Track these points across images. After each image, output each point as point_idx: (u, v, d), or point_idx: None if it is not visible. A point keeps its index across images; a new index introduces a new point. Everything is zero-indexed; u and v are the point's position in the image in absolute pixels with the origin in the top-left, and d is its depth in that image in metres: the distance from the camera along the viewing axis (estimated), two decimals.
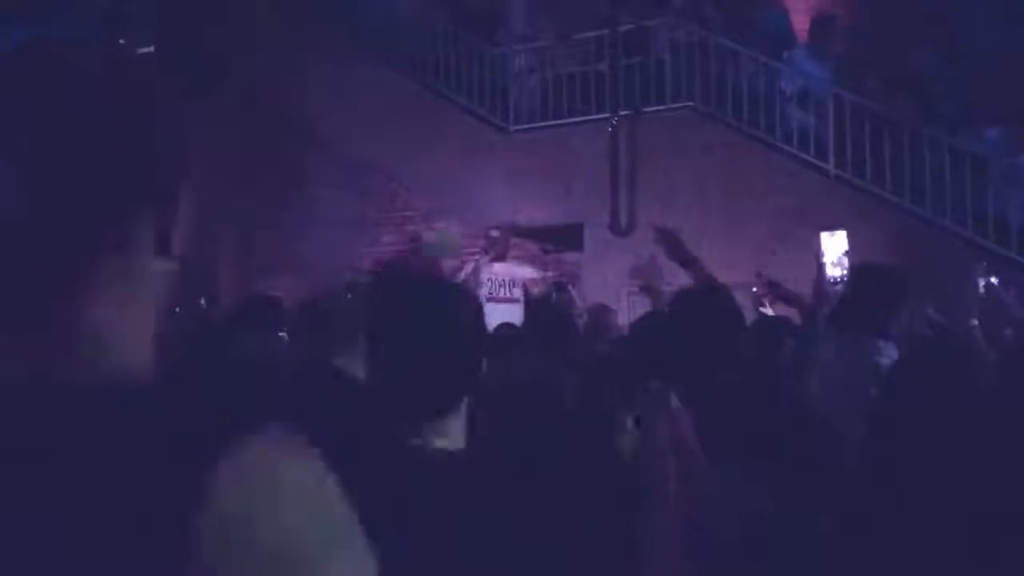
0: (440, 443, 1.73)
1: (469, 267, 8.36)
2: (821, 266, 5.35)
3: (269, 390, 2.15)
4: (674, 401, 2.29)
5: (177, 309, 5.28)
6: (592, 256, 9.65)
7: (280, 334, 3.96)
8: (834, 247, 5.50)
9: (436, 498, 1.63)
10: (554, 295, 7.76)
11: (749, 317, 3.99)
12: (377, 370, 1.79)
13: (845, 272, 5.24)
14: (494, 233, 8.67)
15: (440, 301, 1.84)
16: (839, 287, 4.86)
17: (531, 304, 7.76)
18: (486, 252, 8.51)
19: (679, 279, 4.09)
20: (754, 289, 5.47)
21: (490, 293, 8.17)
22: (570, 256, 10.16)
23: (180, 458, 0.93)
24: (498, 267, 8.50)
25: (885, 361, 3.58)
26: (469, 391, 1.80)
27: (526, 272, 8.68)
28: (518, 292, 8.41)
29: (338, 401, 1.94)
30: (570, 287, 8.07)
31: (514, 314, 7.46)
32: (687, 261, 3.97)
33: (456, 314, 1.83)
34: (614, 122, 9.61)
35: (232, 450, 0.94)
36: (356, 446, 1.55)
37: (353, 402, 1.94)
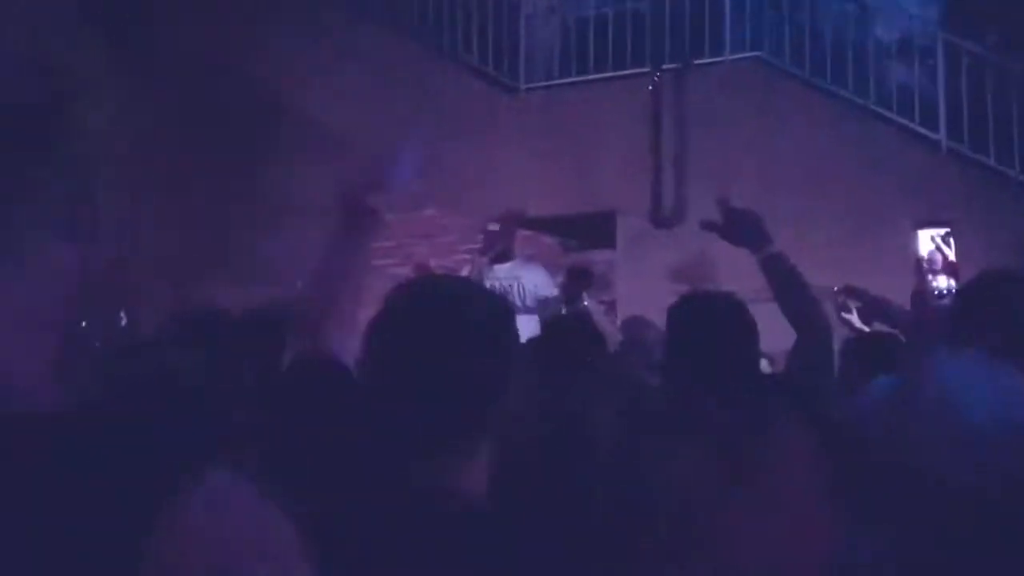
0: (452, 486, 1.79)
1: (465, 271, 8.45)
2: (927, 265, 5.28)
3: (206, 425, 2.27)
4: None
5: (84, 323, 5.34)
6: (627, 254, 9.63)
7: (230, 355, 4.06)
8: (943, 241, 5.44)
9: (446, 557, 1.70)
10: (578, 305, 7.78)
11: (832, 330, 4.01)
12: (373, 395, 1.86)
13: (955, 274, 5.18)
14: (493, 227, 8.67)
15: (453, 304, 1.92)
16: (948, 293, 4.88)
17: (548, 318, 7.61)
18: (484, 252, 8.54)
19: (741, 282, 4.07)
20: (835, 289, 5.57)
21: None
22: (598, 255, 10.08)
23: (87, 512, 0.96)
24: (501, 270, 8.59)
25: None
26: (491, 422, 1.88)
27: (538, 277, 8.68)
28: (531, 301, 8.49)
29: (322, 435, 2.06)
30: (594, 299, 8.17)
31: (525, 330, 7.34)
32: (771, 259, 3.76)
33: (475, 322, 1.91)
34: (656, 78, 9.53)
35: (158, 504, 0.96)
36: (344, 491, 1.65)
37: (340, 436, 2.05)
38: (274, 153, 10.46)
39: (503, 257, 8.70)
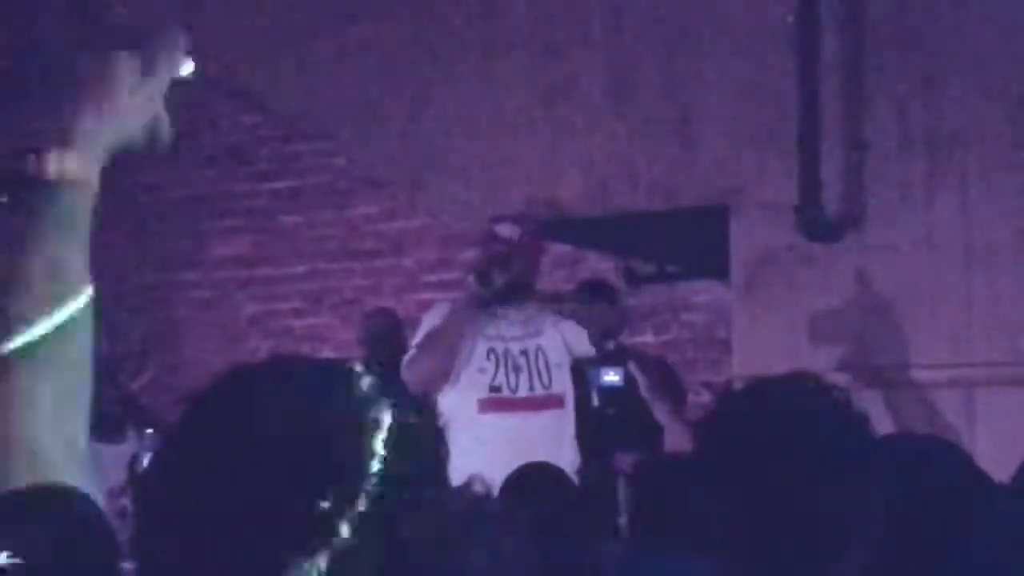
0: None
1: (430, 318, 6.49)
2: None
3: None
4: None
5: None
6: (753, 287, 7.47)
7: None
8: None
9: None
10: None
11: None
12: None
13: None
14: (503, 231, 6.42)
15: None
16: None
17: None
18: (480, 277, 6.31)
19: None
20: None
21: (488, 390, 6.39)
22: (700, 288, 8.26)
23: None
24: (508, 321, 6.48)
25: None
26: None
27: (572, 341, 6.55)
28: (559, 383, 6.36)
29: None
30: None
31: (545, 441, 6.01)
32: None
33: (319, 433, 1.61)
34: None
35: None
36: None
37: None
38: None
39: (514, 293, 6.39)
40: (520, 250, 6.38)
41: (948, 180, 7.21)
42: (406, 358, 6.34)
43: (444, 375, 6.24)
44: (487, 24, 8.40)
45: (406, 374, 6.25)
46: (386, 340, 8.46)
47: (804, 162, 7.26)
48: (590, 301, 7.61)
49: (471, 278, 6.36)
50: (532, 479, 5.16)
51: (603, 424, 6.76)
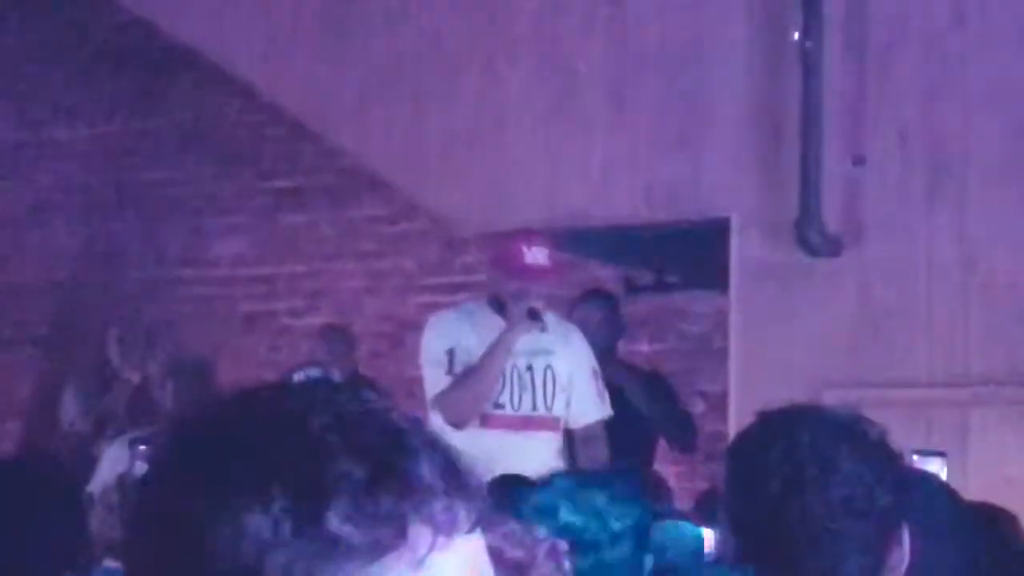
0: None
1: (433, 332, 6.44)
2: None
3: None
4: None
5: None
6: (751, 301, 7.39)
7: None
8: None
9: None
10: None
11: None
12: None
13: None
14: (537, 257, 6.21)
15: None
16: None
17: None
18: (534, 315, 6.18)
19: None
20: None
21: (492, 405, 6.32)
22: (698, 298, 8.36)
23: None
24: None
25: None
26: None
27: (583, 356, 6.55)
28: (560, 407, 6.33)
29: None
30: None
31: (537, 462, 5.61)
32: None
33: None
34: None
35: None
36: None
37: None
38: None
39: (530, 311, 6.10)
40: (551, 275, 6.27)
41: (947, 198, 7.19)
42: (439, 391, 6.07)
43: (482, 409, 6.08)
44: (491, 33, 8.39)
45: (438, 407, 6.06)
46: (338, 357, 8.39)
47: (804, 178, 7.25)
48: (590, 308, 7.58)
49: (525, 316, 6.08)
50: (504, 488, 5.11)
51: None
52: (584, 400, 6.34)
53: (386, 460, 1.29)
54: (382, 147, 8.87)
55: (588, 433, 6.30)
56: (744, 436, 2.79)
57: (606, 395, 6.40)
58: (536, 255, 6.19)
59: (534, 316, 6.07)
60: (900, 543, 2.59)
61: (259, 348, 9.99)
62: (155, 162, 10.36)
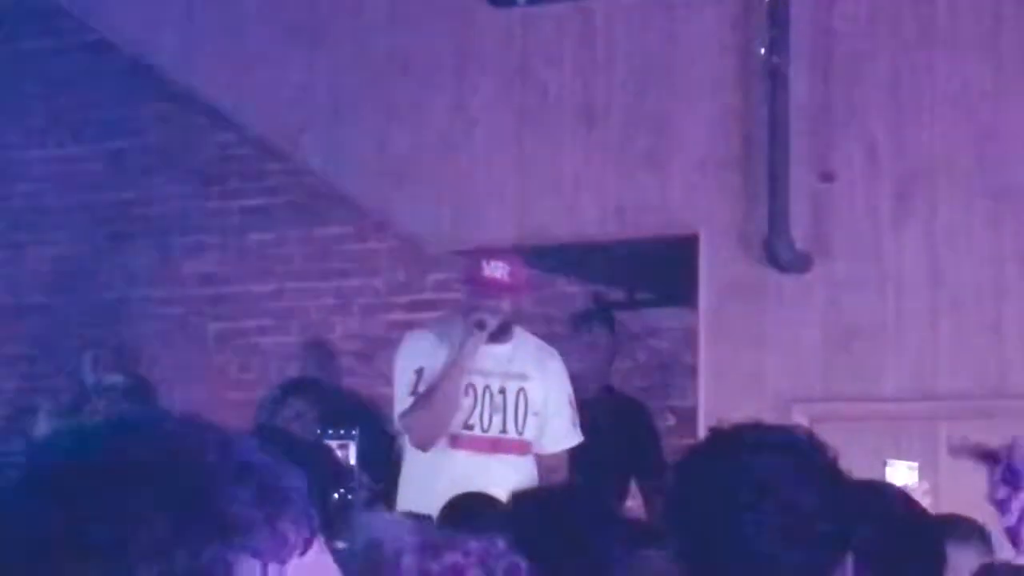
0: None
1: (406, 355, 6.41)
2: None
3: None
4: None
5: None
6: (720, 316, 7.47)
7: None
8: None
9: None
10: None
11: None
12: None
13: None
14: (496, 272, 6.18)
15: None
16: None
17: None
18: (481, 327, 6.18)
19: None
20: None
21: (461, 426, 6.27)
22: (668, 315, 8.37)
23: None
24: (493, 355, 6.26)
25: None
26: None
27: (559, 377, 6.49)
28: (531, 431, 6.32)
29: None
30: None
31: (506, 484, 5.22)
32: None
33: None
34: None
35: None
36: None
37: None
38: None
39: (498, 330, 6.11)
40: (509, 290, 6.18)
41: (915, 213, 7.21)
42: (403, 410, 6.08)
43: (445, 430, 6.03)
44: (460, 47, 8.38)
45: (403, 428, 6.07)
46: (315, 371, 8.30)
47: (773, 194, 7.26)
48: (588, 330, 7.54)
49: (472, 327, 6.04)
50: (466, 506, 5.05)
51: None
52: (557, 427, 6.31)
53: (196, 503, 1.24)
54: (351, 165, 8.84)
55: (554, 459, 6.27)
56: (691, 453, 2.71)
57: (577, 422, 6.36)
58: (494, 270, 6.16)
59: (480, 326, 6.03)
60: (844, 573, 2.50)
61: (229, 367, 9.92)
62: (124, 182, 10.29)
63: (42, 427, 8.31)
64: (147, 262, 10.34)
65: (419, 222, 8.49)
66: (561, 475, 6.26)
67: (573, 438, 6.35)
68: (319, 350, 8.70)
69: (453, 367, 6.04)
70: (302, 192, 9.98)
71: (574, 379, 6.48)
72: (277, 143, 9.22)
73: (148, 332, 10.07)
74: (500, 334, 6.16)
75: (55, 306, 10.30)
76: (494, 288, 6.07)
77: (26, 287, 10.38)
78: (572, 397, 6.39)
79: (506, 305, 6.11)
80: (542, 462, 6.24)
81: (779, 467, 2.50)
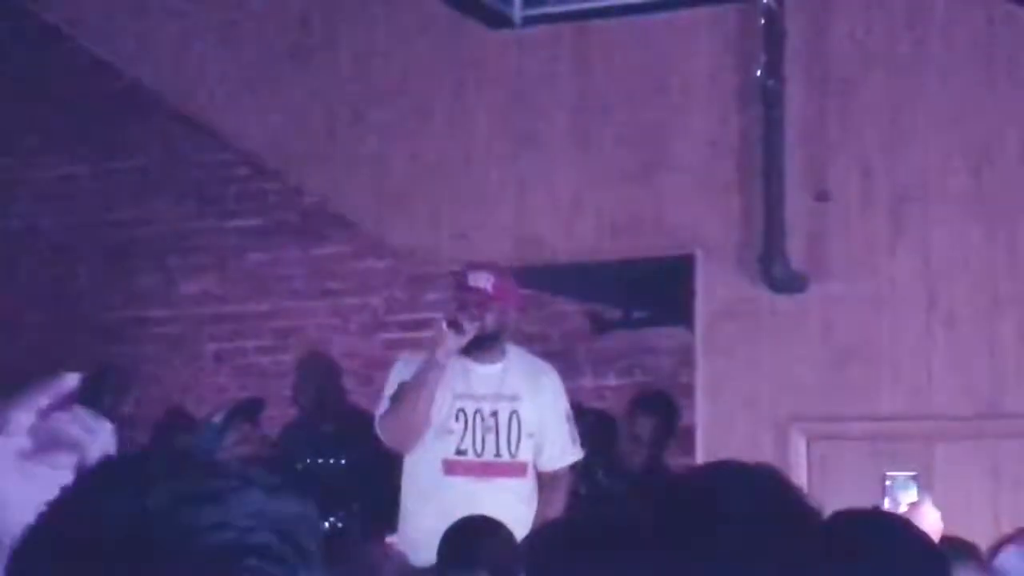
0: None
1: (397, 371, 6.21)
2: None
3: None
4: None
5: None
6: (716, 336, 7.45)
7: None
8: None
9: None
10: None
11: None
12: None
13: None
14: (477, 280, 6.15)
15: None
16: None
17: None
18: (454, 327, 6.09)
19: None
20: None
21: (454, 452, 6.21)
22: (665, 334, 8.40)
23: None
24: (482, 377, 6.25)
25: None
26: None
27: (554, 399, 6.40)
28: (525, 452, 6.24)
29: None
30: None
31: (506, 509, 5.60)
32: None
33: None
34: None
35: None
36: None
37: None
38: None
39: (485, 346, 6.06)
40: (493, 301, 6.06)
41: (910, 233, 7.19)
42: (379, 413, 6.03)
43: (418, 431, 5.93)
44: (457, 67, 8.36)
45: (379, 430, 6.01)
46: (314, 385, 8.29)
47: (769, 214, 7.24)
48: (646, 415, 7.52)
49: (444, 327, 5.94)
50: (468, 530, 5.03)
51: None
52: (556, 444, 6.21)
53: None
54: (348, 184, 8.81)
55: (555, 477, 6.20)
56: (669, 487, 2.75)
57: (577, 438, 6.28)
58: (477, 279, 6.10)
59: (454, 326, 5.93)
60: None
61: (229, 386, 9.92)
62: (122, 203, 10.29)
63: None
64: (145, 282, 10.35)
65: (416, 241, 8.46)
66: (562, 493, 6.20)
67: (573, 454, 6.27)
68: (314, 362, 8.64)
69: (425, 368, 5.94)
70: (299, 212, 10.00)
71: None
72: (274, 163, 9.21)
73: (147, 352, 10.08)
74: (490, 354, 6.08)
75: (54, 327, 10.29)
76: (476, 297, 5.99)
77: (24, 308, 10.38)
78: (569, 412, 6.31)
79: (491, 316, 6.01)
80: (542, 479, 6.16)
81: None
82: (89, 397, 8.71)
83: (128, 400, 8.84)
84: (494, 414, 6.08)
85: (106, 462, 1.30)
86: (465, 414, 6.05)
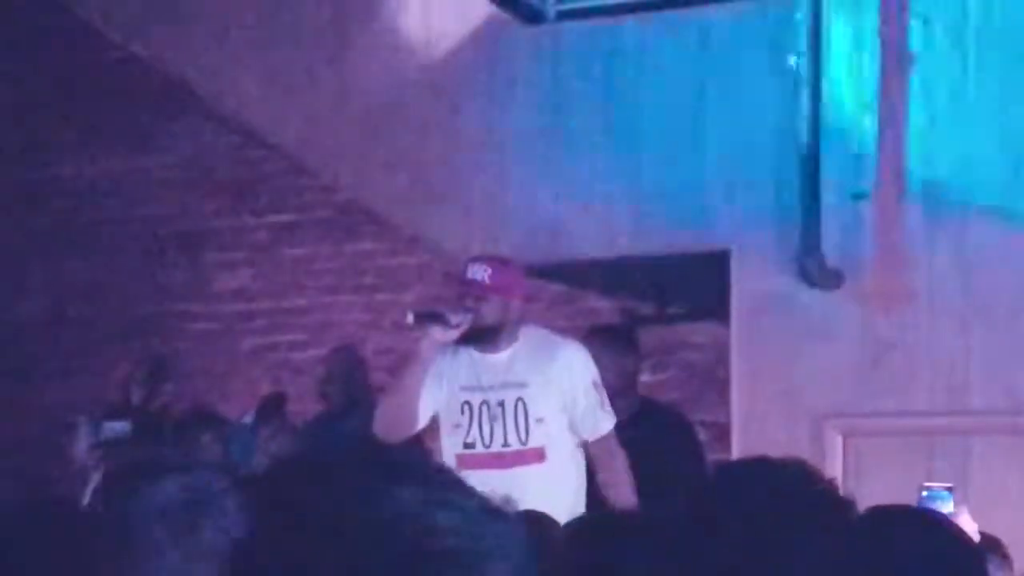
0: None
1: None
2: None
3: None
4: None
5: None
6: (752, 332, 7.39)
7: None
8: None
9: None
10: None
11: None
12: None
13: None
14: (474, 271, 6.05)
15: None
16: None
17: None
18: (419, 319, 6.14)
19: None
20: None
21: (463, 446, 6.19)
22: (700, 328, 8.32)
23: None
24: (488, 366, 6.18)
25: None
26: None
27: (572, 369, 6.23)
28: (538, 438, 6.09)
29: None
30: None
31: (530, 499, 5.07)
32: None
33: None
34: None
35: None
36: None
37: None
38: None
39: (486, 337, 5.98)
40: (490, 292, 5.96)
41: (947, 230, 7.19)
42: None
43: (403, 425, 5.88)
44: (491, 67, 8.39)
45: (374, 424, 6.01)
46: (342, 379, 8.34)
47: (804, 210, 7.24)
48: (605, 345, 7.36)
49: (410, 320, 5.92)
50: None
51: None
52: (589, 415, 6.10)
53: None
54: (383, 181, 8.85)
55: (602, 445, 6.10)
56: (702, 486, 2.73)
57: (607, 403, 6.16)
58: (474, 272, 6.02)
59: (436, 319, 5.89)
60: None
61: (263, 382, 9.96)
62: (156, 198, 10.34)
63: (82, 442, 8.36)
64: (181, 278, 10.40)
65: (450, 237, 8.49)
66: (619, 456, 6.11)
67: (609, 420, 6.15)
68: (343, 357, 8.68)
69: (410, 359, 5.94)
70: (333, 208, 10.02)
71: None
72: (309, 160, 9.26)
73: (182, 347, 10.12)
74: (495, 343, 6.02)
75: (90, 321, 10.36)
76: (473, 289, 5.93)
77: (60, 302, 10.45)
78: (597, 379, 6.18)
79: (488, 308, 5.94)
80: (589, 453, 6.09)
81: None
82: (122, 390, 8.86)
83: (165, 391, 8.91)
84: (500, 403, 6.02)
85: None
86: (471, 406, 6.00)
